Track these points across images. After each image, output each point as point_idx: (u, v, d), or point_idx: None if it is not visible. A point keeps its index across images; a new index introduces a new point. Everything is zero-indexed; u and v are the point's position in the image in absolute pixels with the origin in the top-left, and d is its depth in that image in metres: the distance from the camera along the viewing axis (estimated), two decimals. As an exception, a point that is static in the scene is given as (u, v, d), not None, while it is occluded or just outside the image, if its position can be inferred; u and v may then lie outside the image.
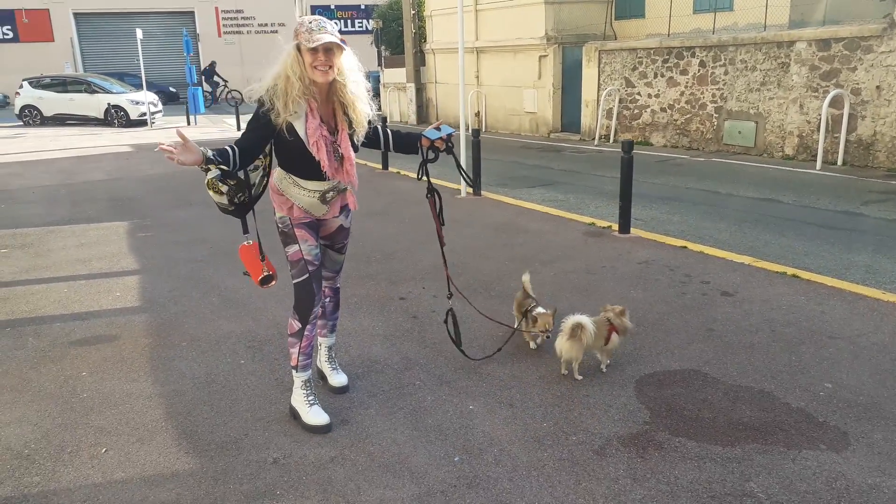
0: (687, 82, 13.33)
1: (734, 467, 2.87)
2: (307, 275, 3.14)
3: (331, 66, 2.92)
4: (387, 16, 25.48)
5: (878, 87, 10.30)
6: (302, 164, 3.01)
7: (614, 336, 3.69)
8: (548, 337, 3.84)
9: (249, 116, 3.05)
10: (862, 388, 3.51)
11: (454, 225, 7.18)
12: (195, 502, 2.74)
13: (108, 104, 21.73)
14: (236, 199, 2.96)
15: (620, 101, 14.76)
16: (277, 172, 3.14)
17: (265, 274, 3.16)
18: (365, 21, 37.59)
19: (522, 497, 2.72)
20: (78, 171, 12.32)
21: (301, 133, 2.95)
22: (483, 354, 3.99)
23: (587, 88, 15.47)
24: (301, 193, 3.07)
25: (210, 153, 2.77)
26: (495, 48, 17.87)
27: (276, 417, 3.38)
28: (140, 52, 20.64)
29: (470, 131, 9.04)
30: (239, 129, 18.03)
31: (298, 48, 2.91)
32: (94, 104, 21.94)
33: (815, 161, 10.77)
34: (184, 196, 9.43)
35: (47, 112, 22.26)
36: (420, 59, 21.63)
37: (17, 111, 22.48)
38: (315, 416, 3.25)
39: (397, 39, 24.25)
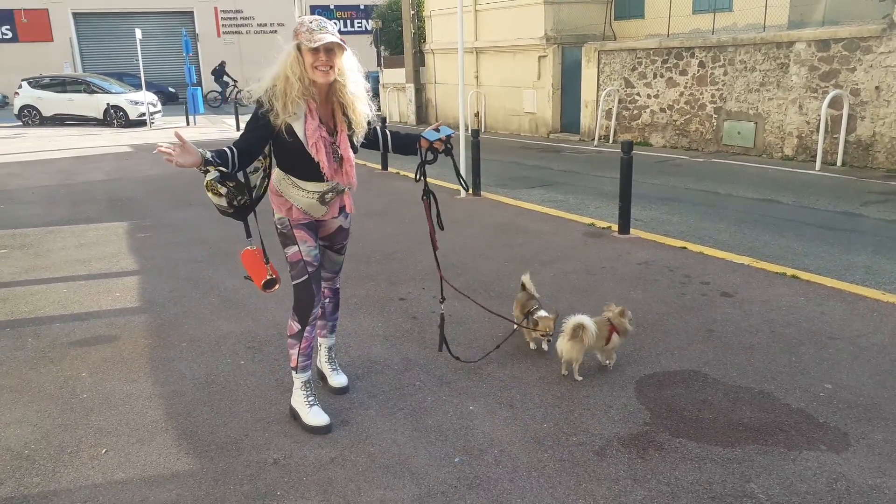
0: (686, 83, 13.34)
1: (734, 468, 2.87)
2: (306, 276, 3.14)
3: (332, 67, 2.91)
4: (386, 16, 25.49)
5: (877, 87, 10.31)
6: (301, 166, 3.00)
7: (615, 336, 3.70)
8: (549, 341, 3.84)
9: (248, 117, 3.04)
10: (862, 388, 3.51)
11: (454, 225, 7.17)
12: (195, 503, 2.74)
13: (108, 104, 21.72)
14: (235, 202, 2.94)
15: (620, 101, 14.77)
16: (276, 173, 3.12)
17: (268, 277, 3.12)
18: (364, 21, 37.60)
19: (523, 498, 2.72)
20: (77, 171, 12.31)
21: (300, 134, 2.94)
22: (483, 355, 3.99)
23: (586, 89, 15.48)
24: (300, 194, 3.06)
25: (209, 154, 2.75)
26: (495, 48, 17.88)
27: (277, 418, 3.38)
28: (139, 52, 20.63)
29: (469, 132, 9.05)
30: (238, 129, 18.03)
31: (299, 48, 2.89)
32: (93, 104, 21.93)
33: (815, 162, 10.78)
34: (183, 196, 9.42)
35: (46, 112, 22.25)
36: (419, 59, 21.64)
37: (16, 111, 22.46)
38: (315, 416, 3.25)
39: (397, 40, 24.26)
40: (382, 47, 24.92)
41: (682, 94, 13.48)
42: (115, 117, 21.64)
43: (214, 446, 3.14)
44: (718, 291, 5.01)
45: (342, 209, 3.26)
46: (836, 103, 10.67)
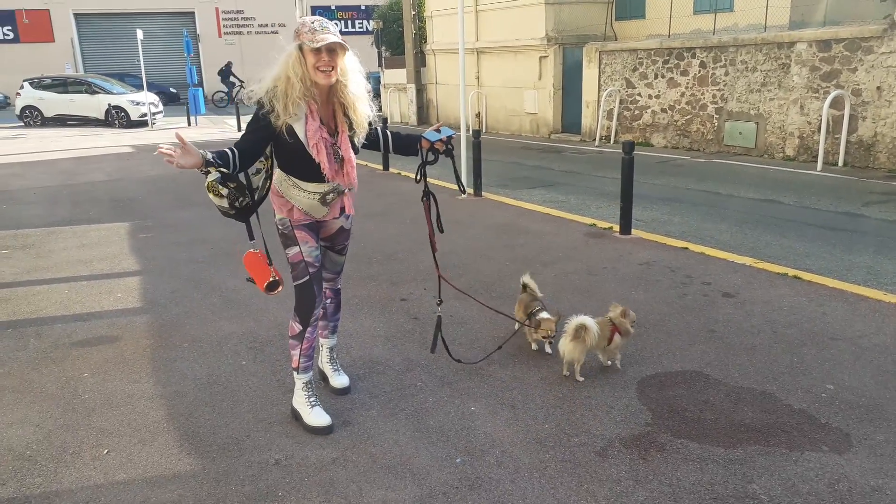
0: (687, 83, 13.33)
1: (736, 469, 2.87)
2: (308, 277, 3.14)
3: (334, 68, 2.90)
4: (387, 16, 25.48)
5: (878, 87, 10.30)
6: (302, 166, 3.00)
7: (616, 337, 3.70)
8: (550, 343, 3.84)
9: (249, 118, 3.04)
10: (864, 389, 3.51)
11: (455, 226, 7.18)
12: (197, 503, 2.74)
13: (109, 105, 21.74)
14: (237, 203, 2.91)
15: (621, 101, 14.77)
16: (277, 174, 3.11)
17: (272, 279, 3.10)
18: (365, 22, 37.61)
19: (524, 499, 2.71)
20: (79, 171, 12.32)
21: (301, 135, 2.94)
22: (484, 355, 3.99)
23: (588, 89, 15.48)
24: (301, 195, 3.06)
25: (210, 156, 2.74)
26: (496, 49, 17.88)
27: (278, 419, 3.38)
28: (140, 52, 20.65)
29: (470, 132, 9.05)
30: (240, 129, 18.04)
31: (301, 49, 2.89)
32: (94, 105, 21.95)
33: (816, 162, 10.77)
34: (185, 197, 9.43)
35: (48, 113, 22.28)
36: (420, 59, 21.64)
37: (17, 112, 22.50)
38: (317, 417, 3.25)
39: (398, 40, 24.25)
40: (383, 48, 24.92)
41: (683, 94, 13.47)
42: (116, 118, 21.66)
43: (216, 447, 3.14)
44: (720, 292, 5.01)
45: (343, 210, 3.26)
46: (837, 103, 10.67)
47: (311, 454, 3.06)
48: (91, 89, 22.23)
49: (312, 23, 2.90)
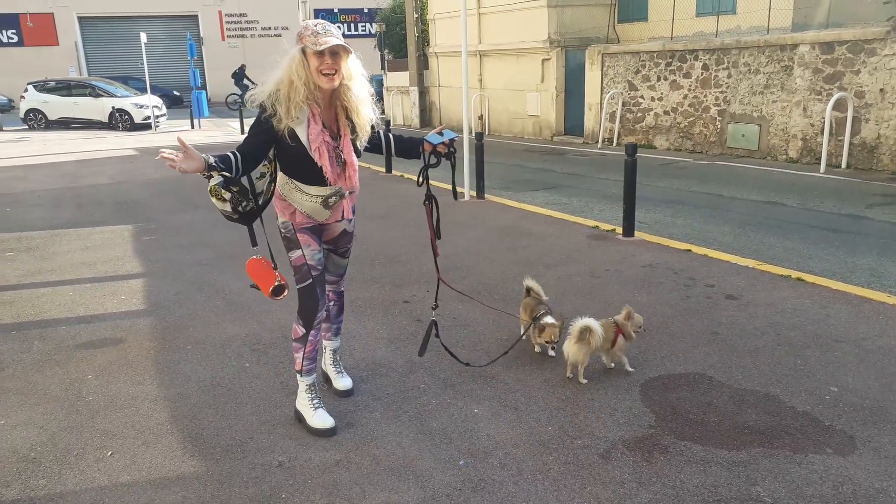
0: (690, 85, 13.33)
1: (740, 471, 2.86)
2: (311, 280, 3.14)
3: (336, 71, 2.90)
4: (390, 19, 25.55)
5: (881, 90, 10.29)
6: (304, 170, 2.99)
7: (620, 339, 3.69)
8: (553, 348, 3.83)
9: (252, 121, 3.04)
10: (868, 391, 3.50)
11: (457, 228, 7.18)
12: (201, 505, 2.75)
13: (113, 108, 21.82)
14: (240, 208, 2.88)
15: (624, 104, 14.77)
16: (280, 177, 3.10)
17: (277, 284, 3.07)
18: (368, 25, 37.67)
19: (527, 501, 2.71)
20: (82, 174, 12.35)
21: (303, 139, 2.93)
22: (487, 358, 3.99)
23: (590, 91, 15.49)
24: (303, 199, 3.05)
25: (212, 160, 2.73)
26: (498, 51, 17.90)
27: (282, 421, 3.38)
28: (144, 55, 20.72)
29: (473, 135, 9.06)
30: (243, 132, 18.08)
31: (304, 52, 2.88)
32: (98, 108, 22.02)
33: (819, 164, 10.76)
34: (188, 200, 9.45)
35: (52, 116, 22.36)
36: (423, 62, 21.68)
37: (21, 115, 22.58)
38: (320, 419, 3.25)
39: (400, 43, 24.30)
40: (386, 51, 24.97)
41: (685, 96, 13.47)
42: (120, 121, 21.73)
43: (220, 449, 3.15)
44: (723, 294, 5.01)
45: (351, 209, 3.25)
46: (840, 105, 10.66)
47: (314, 456, 3.07)
48: (95, 92, 22.31)
49: (315, 26, 2.89)
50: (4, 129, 22.34)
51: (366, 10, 38.00)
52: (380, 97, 22.84)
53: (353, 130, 3.09)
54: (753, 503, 2.66)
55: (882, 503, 2.64)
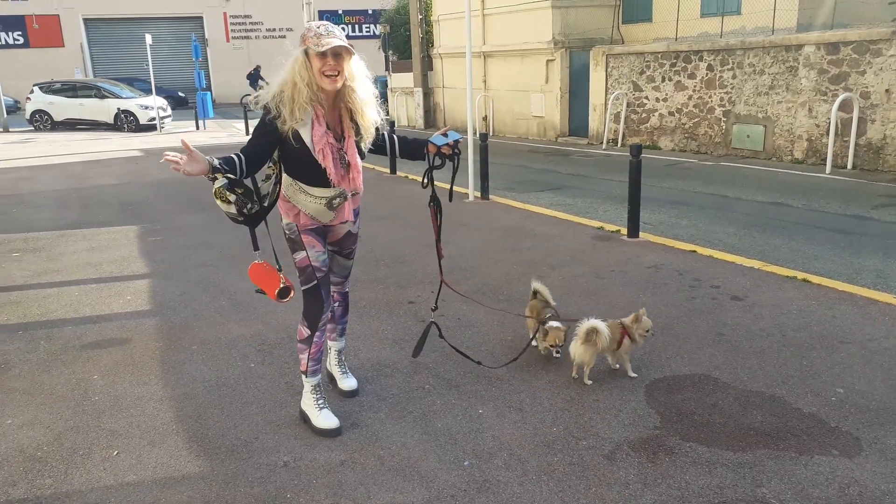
0: (695, 86, 13.31)
1: (745, 473, 2.86)
2: (315, 281, 3.13)
3: (339, 73, 2.89)
4: (394, 20, 25.58)
5: (887, 90, 10.25)
6: (308, 171, 2.99)
7: (626, 340, 3.68)
8: (558, 353, 3.82)
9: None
10: (874, 393, 3.49)
11: (462, 229, 7.18)
12: (206, 505, 2.75)
13: (118, 109, 21.89)
14: (245, 210, 2.88)
15: (628, 104, 14.75)
16: (284, 179, 3.09)
17: (282, 286, 3.04)
18: (373, 26, 37.71)
19: (532, 501, 2.71)
20: (88, 175, 12.40)
21: (307, 140, 2.93)
22: (492, 359, 3.99)
23: (595, 92, 15.47)
24: (307, 200, 3.05)
25: (216, 162, 2.72)
26: (503, 52, 17.90)
27: (287, 421, 3.39)
28: (149, 57, 20.77)
29: (477, 136, 9.06)
30: (248, 133, 18.11)
31: (306, 53, 2.88)
32: (103, 109, 22.10)
33: (825, 165, 10.73)
34: (193, 200, 9.48)
35: (58, 117, 22.44)
36: (427, 63, 21.69)
37: (27, 116, 22.68)
38: (325, 419, 3.25)
39: (405, 44, 24.33)
40: (391, 52, 25.00)
41: (690, 97, 13.45)
42: (125, 122, 21.80)
43: (225, 449, 3.15)
44: (728, 295, 5.00)
45: (354, 212, 3.25)
46: (845, 106, 10.63)
47: (319, 456, 3.07)
48: (100, 93, 22.39)
49: (318, 27, 2.89)
50: (11, 130, 22.44)
51: (370, 12, 38.05)
52: (384, 98, 22.84)
53: (358, 132, 3.08)
54: (759, 504, 2.65)
55: (888, 505, 2.63)
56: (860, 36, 10.51)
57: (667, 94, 13.91)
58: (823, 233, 6.95)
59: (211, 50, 36.09)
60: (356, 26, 38.59)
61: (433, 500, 2.74)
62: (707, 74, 13.02)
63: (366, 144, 3.15)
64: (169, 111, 23.14)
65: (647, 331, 3.71)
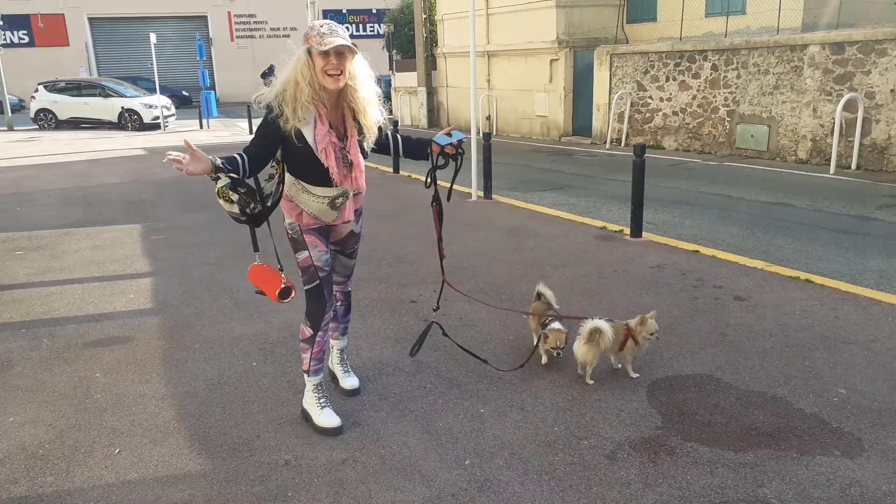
0: (699, 86, 13.29)
1: (747, 473, 2.85)
2: (318, 281, 3.13)
3: (342, 72, 2.89)
4: (398, 20, 25.58)
5: (892, 90, 10.22)
6: (310, 171, 2.99)
7: (629, 342, 3.67)
8: (558, 355, 3.80)
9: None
10: (876, 393, 3.48)
11: (465, 228, 7.18)
12: (207, 503, 2.75)
13: (122, 108, 21.96)
14: (248, 209, 2.87)
15: (632, 104, 14.73)
16: (287, 178, 3.09)
17: (283, 286, 3.02)
18: (376, 25, 37.75)
19: (533, 501, 2.71)
20: (92, 174, 12.43)
21: (309, 139, 2.92)
22: (495, 358, 3.99)
23: (599, 92, 15.46)
24: (310, 199, 3.04)
25: (219, 161, 2.72)
26: (506, 52, 17.89)
27: (288, 419, 3.39)
28: (154, 56, 20.83)
29: (481, 135, 9.06)
30: (251, 132, 18.13)
31: (309, 52, 2.87)
32: (108, 108, 22.18)
33: (829, 165, 10.70)
34: (196, 199, 9.49)
35: (62, 115, 22.53)
36: (431, 63, 21.70)
37: (32, 115, 22.77)
38: (327, 418, 3.25)
39: (409, 43, 24.34)
40: (394, 51, 25.01)
41: (694, 97, 13.43)
42: (129, 121, 21.87)
43: (226, 447, 3.16)
44: (731, 295, 4.99)
45: (356, 213, 3.25)
46: (850, 106, 10.60)
47: (320, 455, 3.07)
48: (105, 92, 22.46)
49: (321, 26, 2.89)
50: (15, 128, 22.52)
51: (374, 11, 38.08)
52: (388, 98, 22.90)
53: (360, 131, 3.08)
54: (760, 505, 2.65)
55: (890, 506, 2.63)
56: (865, 36, 10.47)
57: (671, 94, 13.89)
58: (827, 233, 6.93)
59: (215, 49, 36.15)
60: (360, 25, 38.61)
61: (434, 498, 2.74)
62: (711, 74, 12.99)
63: (368, 144, 3.14)
64: (173, 110, 23.21)
65: (652, 334, 3.67)
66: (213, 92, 25.02)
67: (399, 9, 26.64)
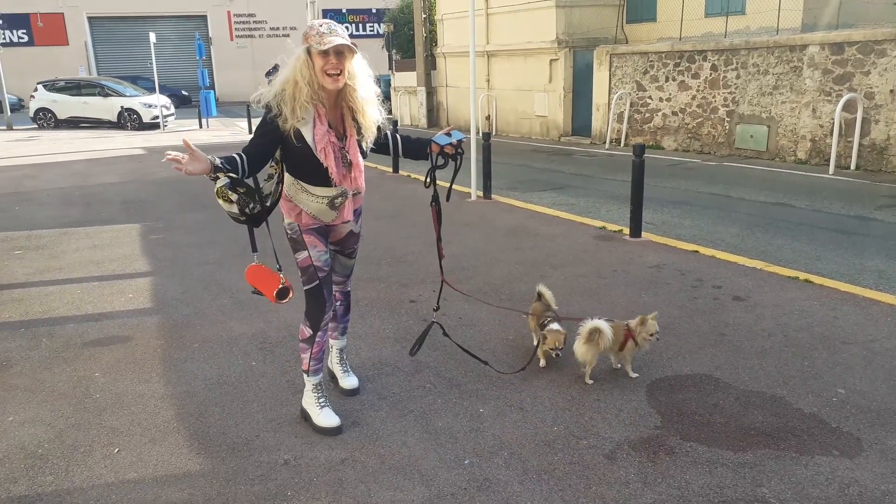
0: (698, 86, 13.29)
1: (746, 472, 2.85)
2: (317, 281, 3.13)
3: (341, 72, 2.88)
4: (398, 20, 25.59)
5: (891, 91, 10.23)
6: (310, 171, 2.98)
7: (629, 343, 3.67)
8: (557, 356, 3.81)
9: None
10: (875, 393, 3.48)
11: (464, 228, 7.19)
12: (206, 503, 2.75)
13: (122, 107, 21.96)
14: (247, 210, 2.86)
15: (632, 104, 14.74)
16: (286, 178, 3.08)
17: (281, 287, 3.00)
18: (376, 25, 37.75)
19: (532, 500, 2.71)
20: (91, 173, 12.43)
21: (308, 139, 2.92)
22: (494, 358, 3.99)
23: (598, 92, 15.46)
24: (309, 199, 3.04)
25: (218, 161, 2.71)
26: (506, 52, 17.89)
27: (288, 419, 3.39)
28: (153, 55, 20.83)
29: (480, 135, 9.06)
30: (251, 132, 18.12)
31: (308, 52, 2.87)
32: (107, 107, 22.17)
33: (828, 165, 10.71)
34: (196, 199, 9.49)
35: (61, 115, 22.52)
36: (431, 62, 21.70)
37: (31, 114, 22.77)
38: (326, 417, 3.25)
39: (408, 43, 24.34)
40: (394, 51, 25.01)
41: (694, 97, 13.43)
42: (128, 120, 21.86)
43: (226, 447, 3.16)
44: (730, 295, 4.99)
45: (354, 212, 3.25)
46: (849, 107, 10.60)
47: (320, 454, 3.08)
48: (104, 92, 22.46)
49: (320, 26, 2.88)
50: (15, 128, 22.50)
51: (374, 11, 38.08)
52: (387, 97, 22.91)
53: (359, 131, 3.07)
54: (759, 505, 2.65)
55: (889, 506, 2.63)
56: (865, 36, 10.48)
57: (670, 94, 13.90)
58: (826, 233, 6.93)
59: (215, 49, 36.14)
60: (360, 25, 38.61)
61: (434, 498, 2.75)
62: (711, 74, 13.00)
63: (367, 143, 3.14)
64: (172, 110, 23.21)
65: (652, 334, 3.66)
66: (212, 91, 25.02)
67: (399, 8, 26.64)
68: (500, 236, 6.95)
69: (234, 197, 2.80)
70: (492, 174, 9.01)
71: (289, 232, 3.15)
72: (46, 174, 12.37)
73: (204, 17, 37.03)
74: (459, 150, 3.25)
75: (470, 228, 7.23)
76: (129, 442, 3.22)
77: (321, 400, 3.30)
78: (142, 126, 21.74)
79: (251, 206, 2.87)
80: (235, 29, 37.47)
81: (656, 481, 2.81)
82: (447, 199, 3.46)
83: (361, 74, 3.00)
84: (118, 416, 3.47)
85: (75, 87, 22.93)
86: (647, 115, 14.48)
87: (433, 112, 21.97)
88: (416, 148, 3.36)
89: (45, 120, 22.56)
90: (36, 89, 22.79)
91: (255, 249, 3.09)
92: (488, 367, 3.84)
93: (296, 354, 4.03)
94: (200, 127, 21.92)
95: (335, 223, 3.17)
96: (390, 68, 24.60)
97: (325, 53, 2.83)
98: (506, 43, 17.81)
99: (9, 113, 22.84)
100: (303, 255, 3.12)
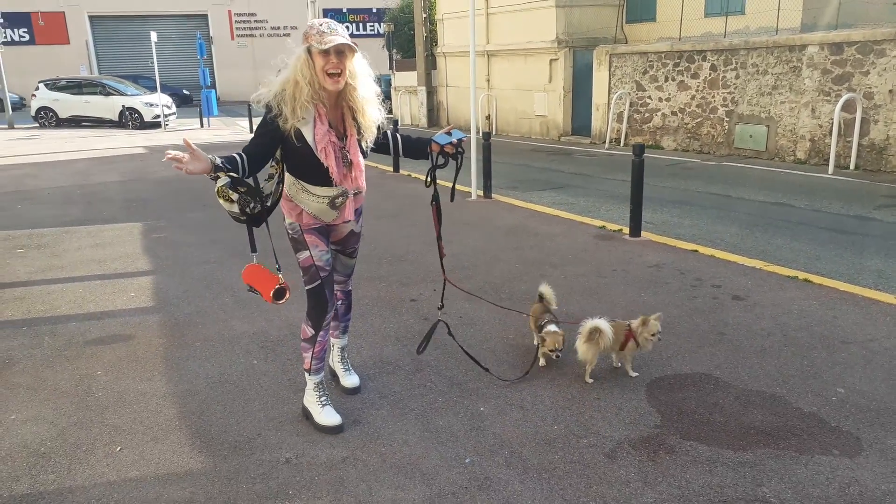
0: (698, 86, 13.30)
1: (746, 472, 2.87)
2: (319, 281, 3.14)
3: (342, 72, 2.88)
4: (398, 19, 25.59)
5: (890, 91, 10.24)
6: (310, 170, 2.98)
7: (630, 343, 3.68)
8: (557, 357, 3.81)
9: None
10: (875, 393, 3.49)
11: (464, 227, 7.20)
12: (208, 501, 2.77)
13: (123, 106, 21.96)
14: (248, 209, 2.86)
15: (631, 104, 14.75)
16: (287, 178, 3.09)
17: (278, 287, 2.99)
18: (377, 24, 37.74)
19: (533, 499, 2.72)
20: (93, 172, 12.43)
21: (309, 139, 2.92)
22: (494, 357, 4.00)
23: (598, 92, 15.47)
24: (310, 199, 3.04)
25: (218, 160, 2.72)
26: (506, 51, 17.90)
27: (289, 418, 3.40)
28: (154, 54, 20.83)
29: (481, 135, 9.07)
30: (252, 131, 18.13)
31: (309, 51, 2.87)
32: (108, 106, 22.18)
33: (828, 165, 10.72)
34: (197, 198, 9.50)
35: (63, 114, 22.53)
36: (431, 62, 21.71)
37: (33, 113, 22.77)
38: (327, 416, 3.26)
39: (409, 43, 24.35)
40: (394, 50, 25.02)
41: (693, 97, 13.44)
42: (130, 119, 21.88)
43: (227, 445, 3.17)
44: (730, 295, 5.00)
45: (355, 212, 3.26)
46: (849, 107, 10.61)
47: (321, 453, 3.09)
48: (105, 91, 22.47)
49: (321, 25, 2.88)
50: (16, 126, 22.52)
51: (374, 10, 38.07)
52: (388, 97, 22.91)
53: (360, 131, 3.08)
54: None
55: (888, 504, 2.64)
56: (864, 36, 10.49)
57: (670, 94, 13.91)
58: (825, 233, 6.95)
59: (216, 48, 36.15)
60: (360, 24, 38.61)
61: (434, 497, 2.76)
62: (710, 74, 13.01)
63: (367, 143, 3.14)
64: (173, 109, 23.22)
65: (654, 335, 3.66)
66: (213, 90, 25.02)
67: (399, 8, 26.64)
68: (500, 235, 6.96)
69: (234, 196, 2.80)
70: (492, 174, 9.02)
71: (290, 232, 3.15)
72: (48, 173, 12.38)
73: (205, 17, 37.03)
74: (460, 150, 3.24)
75: (470, 228, 7.24)
76: (131, 440, 3.23)
77: (322, 399, 3.31)
78: (143, 125, 21.75)
79: (252, 205, 2.87)
80: (236, 28, 37.47)
81: (656, 480, 2.83)
82: (451, 200, 3.46)
83: (362, 74, 3.01)
84: (120, 414, 3.48)
85: (77, 86, 22.94)
86: (647, 114, 14.49)
87: (433, 112, 21.98)
88: (416, 147, 3.36)
89: (47, 119, 22.56)
90: (37, 88, 22.80)
91: (254, 249, 3.10)
92: (488, 367, 3.85)
93: (297, 353, 4.04)
94: (201, 126, 21.93)
95: (336, 223, 3.17)
96: (391, 68, 24.60)
97: (325, 53, 2.84)
98: (506, 43, 17.82)
99: (10, 112, 22.85)
100: (304, 254, 3.12)
